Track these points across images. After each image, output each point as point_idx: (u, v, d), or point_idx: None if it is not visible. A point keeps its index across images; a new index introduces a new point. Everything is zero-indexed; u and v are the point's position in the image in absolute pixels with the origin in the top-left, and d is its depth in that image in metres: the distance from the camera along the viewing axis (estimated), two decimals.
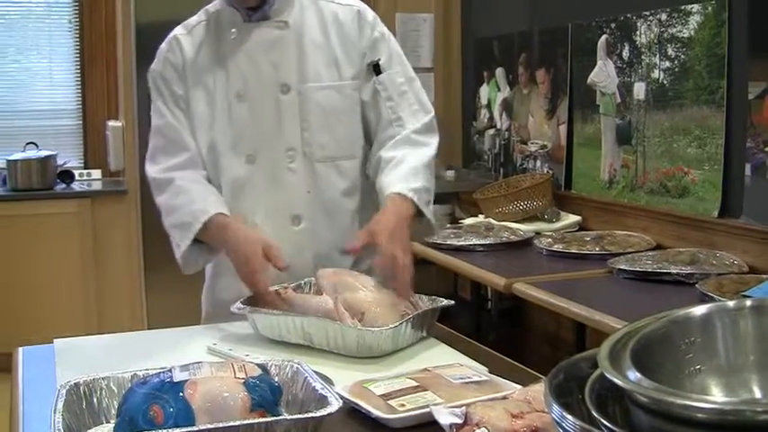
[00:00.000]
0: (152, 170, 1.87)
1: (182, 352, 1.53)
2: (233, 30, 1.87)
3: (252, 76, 1.84)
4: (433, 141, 1.87)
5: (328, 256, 1.87)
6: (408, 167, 1.78)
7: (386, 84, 1.88)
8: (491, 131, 4.43)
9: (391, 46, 1.91)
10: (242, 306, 1.63)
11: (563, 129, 3.77)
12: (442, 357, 1.52)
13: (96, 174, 4.93)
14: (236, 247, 1.74)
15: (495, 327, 3.83)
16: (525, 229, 3.43)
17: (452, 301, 1.63)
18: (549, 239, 3.19)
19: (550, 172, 3.82)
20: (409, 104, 1.88)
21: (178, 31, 1.92)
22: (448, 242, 3.21)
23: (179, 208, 1.82)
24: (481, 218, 3.71)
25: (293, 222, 1.87)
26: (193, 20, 1.93)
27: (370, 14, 1.92)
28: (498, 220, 3.58)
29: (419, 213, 1.76)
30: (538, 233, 3.37)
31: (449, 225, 3.58)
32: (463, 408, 1.10)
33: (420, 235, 1.92)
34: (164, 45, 1.91)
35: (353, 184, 1.90)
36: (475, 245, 3.23)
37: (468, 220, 3.72)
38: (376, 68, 1.88)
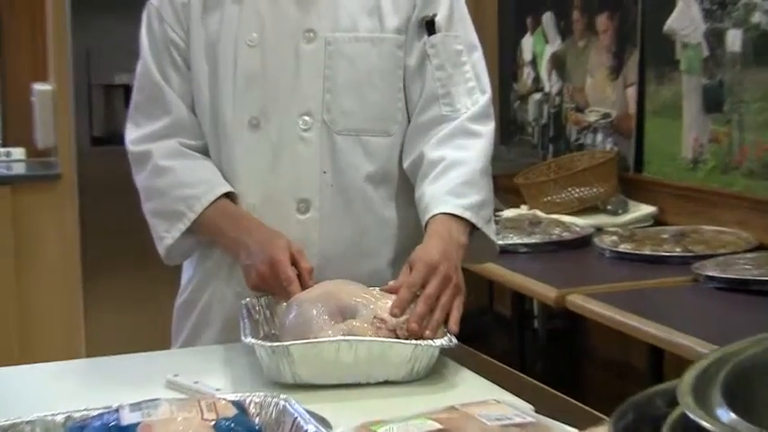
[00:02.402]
0: (127, 139, 1.94)
1: (132, 386, 1.53)
2: None
3: (270, 19, 1.88)
4: (488, 130, 1.91)
5: (340, 257, 1.90)
6: (461, 175, 1.83)
7: (439, 48, 1.90)
8: (537, 96, 4.44)
9: (456, 1, 1.94)
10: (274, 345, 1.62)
11: (632, 92, 3.78)
12: (473, 391, 1.54)
13: (19, 153, 4.96)
14: (256, 246, 1.80)
15: (543, 352, 3.85)
16: (582, 223, 3.47)
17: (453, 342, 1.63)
18: (614, 237, 3.21)
19: (615, 149, 3.83)
20: (464, 79, 1.91)
21: None
22: None
23: (163, 192, 1.90)
24: (524, 209, 3.75)
25: (299, 209, 1.91)
26: None
27: None
28: (547, 212, 3.62)
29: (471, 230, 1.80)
30: (599, 229, 3.41)
31: None
32: None
33: (479, 259, 1.97)
34: None
35: (383, 169, 1.93)
36: (516, 245, 3.26)
37: (508, 213, 3.73)
38: (429, 26, 1.90)
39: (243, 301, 1.80)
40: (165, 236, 1.91)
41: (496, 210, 3.71)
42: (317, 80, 1.88)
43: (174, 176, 1.90)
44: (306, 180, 1.90)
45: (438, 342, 1.61)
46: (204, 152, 1.95)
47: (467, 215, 1.78)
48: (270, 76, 1.88)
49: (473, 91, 1.92)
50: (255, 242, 1.82)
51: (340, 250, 1.89)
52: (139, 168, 1.95)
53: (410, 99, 1.93)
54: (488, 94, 1.93)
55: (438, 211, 1.77)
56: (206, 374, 1.63)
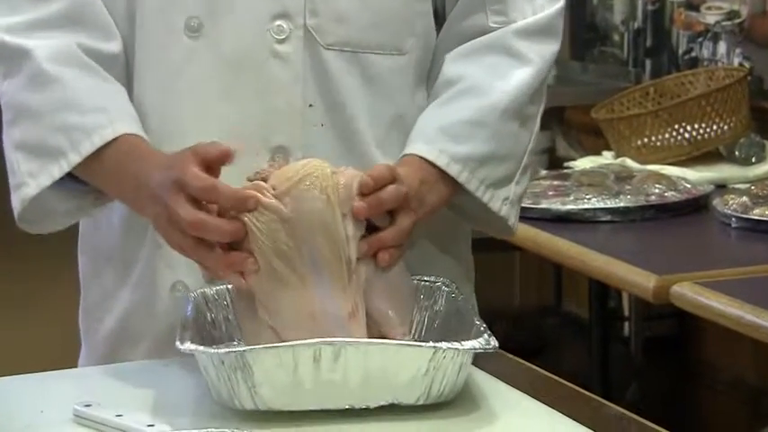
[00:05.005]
0: None
1: (20, 422, 1.52)
2: None
3: None
4: (543, 54, 1.85)
5: None
6: (472, 109, 1.79)
7: None
8: None
9: None
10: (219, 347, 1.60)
11: None
12: (527, 424, 1.54)
13: None
14: (157, 176, 1.64)
15: (638, 370, 3.73)
16: (696, 178, 3.30)
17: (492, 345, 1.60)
18: (745, 199, 3.02)
19: (747, 65, 3.62)
20: None
21: None
22: (543, 205, 3.09)
23: (39, 113, 1.77)
24: (608, 156, 3.62)
25: (273, 161, 1.82)
26: None
27: None
28: (642, 162, 3.45)
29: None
30: (721, 186, 3.26)
31: (544, 171, 3.45)
32: None
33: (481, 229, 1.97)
34: None
35: (393, 107, 1.87)
36: (596, 210, 3.09)
37: (582, 162, 3.63)
38: None
39: (191, 294, 1.71)
40: (28, 182, 1.75)
41: (565, 159, 3.73)
42: None
43: (61, 91, 1.74)
44: (282, 117, 1.80)
45: (468, 344, 1.54)
46: (118, 64, 1.82)
47: (452, 169, 1.73)
48: None
49: None
50: (154, 171, 1.66)
51: None
52: (10, 70, 1.79)
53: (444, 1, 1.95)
54: (559, 4, 1.89)
55: (414, 151, 1.73)
56: (132, 403, 1.57)
